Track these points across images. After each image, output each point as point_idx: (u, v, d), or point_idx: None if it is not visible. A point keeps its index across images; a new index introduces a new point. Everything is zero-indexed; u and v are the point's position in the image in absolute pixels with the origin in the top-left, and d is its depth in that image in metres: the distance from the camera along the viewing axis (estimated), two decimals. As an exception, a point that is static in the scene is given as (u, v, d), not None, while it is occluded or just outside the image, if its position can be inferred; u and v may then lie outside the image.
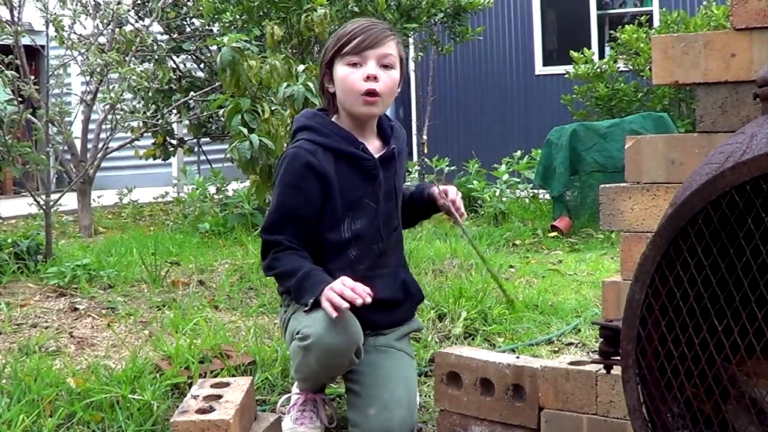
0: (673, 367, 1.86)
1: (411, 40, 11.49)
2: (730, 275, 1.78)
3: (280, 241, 3.10)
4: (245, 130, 4.53)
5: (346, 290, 2.83)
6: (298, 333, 3.01)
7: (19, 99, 6.54)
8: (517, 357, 2.99)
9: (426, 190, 3.43)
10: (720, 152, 1.95)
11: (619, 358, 1.97)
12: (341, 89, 3.16)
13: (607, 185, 2.76)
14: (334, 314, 2.81)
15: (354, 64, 3.12)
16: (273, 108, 4.71)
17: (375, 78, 3.11)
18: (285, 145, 4.74)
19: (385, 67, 3.14)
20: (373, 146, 3.24)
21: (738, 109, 2.46)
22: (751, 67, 2.40)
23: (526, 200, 10.21)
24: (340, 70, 3.14)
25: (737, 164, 1.74)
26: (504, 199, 9.63)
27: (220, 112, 7.17)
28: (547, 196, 9.57)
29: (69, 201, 8.93)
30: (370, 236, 3.19)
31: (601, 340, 2.09)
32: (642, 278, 1.86)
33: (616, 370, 2.12)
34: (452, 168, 10.84)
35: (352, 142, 3.17)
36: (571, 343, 4.34)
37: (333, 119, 3.25)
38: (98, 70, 7.95)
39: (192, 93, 9.13)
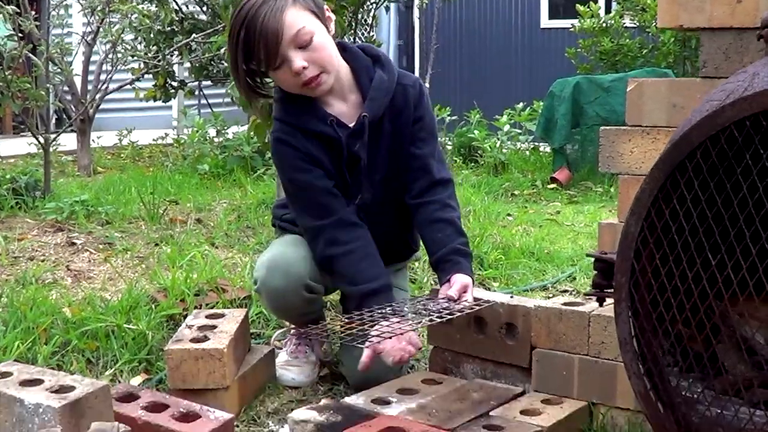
0: (665, 302, 1.87)
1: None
2: (726, 211, 1.78)
3: (323, 227, 2.99)
4: (246, 69, 4.51)
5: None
6: (253, 276, 3.06)
7: (20, 35, 6.52)
8: (511, 296, 3.00)
9: (445, 276, 2.98)
10: (721, 90, 1.95)
11: (612, 290, 1.98)
12: (284, 89, 2.98)
13: (607, 127, 2.76)
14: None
15: (276, 69, 2.88)
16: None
17: (304, 68, 2.85)
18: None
19: (303, 47, 2.85)
20: (350, 105, 3.05)
21: (741, 56, 2.46)
22: (756, 14, 2.39)
23: (527, 152, 10.19)
24: (266, 74, 2.96)
25: (737, 100, 1.74)
26: (504, 149, 9.61)
27: (222, 51, 7.15)
28: (548, 149, 9.55)
29: (68, 141, 8.91)
30: (355, 203, 3.07)
31: (596, 272, 2.10)
32: (638, 211, 1.86)
33: (609, 307, 2.13)
34: (454, 117, 10.80)
35: (320, 117, 2.99)
36: (565, 291, 4.35)
37: None
38: (100, 8, 7.92)
39: (194, 35, 9.07)
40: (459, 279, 2.90)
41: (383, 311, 2.81)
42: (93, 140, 9.22)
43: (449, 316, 2.76)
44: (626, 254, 1.89)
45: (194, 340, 2.83)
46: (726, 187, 1.78)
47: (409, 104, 3.09)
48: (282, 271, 2.95)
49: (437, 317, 2.74)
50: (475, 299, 2.89)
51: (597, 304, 2.26)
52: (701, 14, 2.49)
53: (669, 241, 1.85)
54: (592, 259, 2.15)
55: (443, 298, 2.87)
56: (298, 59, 2.83)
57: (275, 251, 3.05)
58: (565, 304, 2.81)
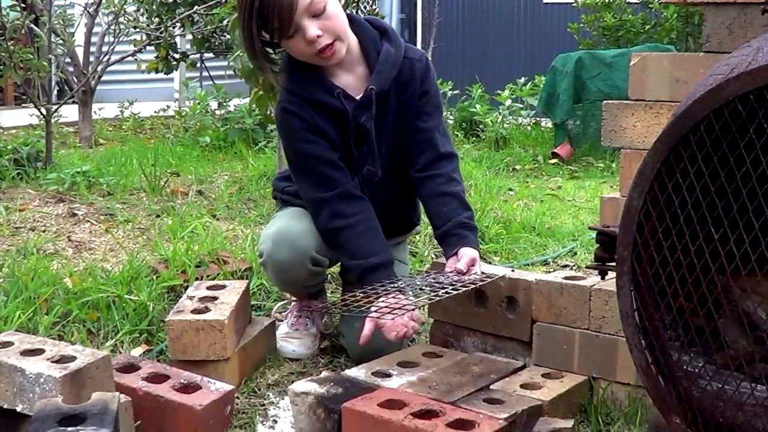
0: (667, 275, 1.86)
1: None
2: (729, 185, 1.78)
3: (327, 199, 2.98)
4: (249, 40, 4.50)
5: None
6: (257, 249, 3.06)
7: (22, 6, 6.51)
8: (512, 270, 3.00)
9: (452, 250, 2.98)
10: (725, 64, 1.94)
11: (614, 264, 1.98)
12: (295, 56, 2.97)
13: (610, 101, 2.75)
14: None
15: (290, 38, 2.87)
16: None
17: (319, 36, 2.86)
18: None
19: (317, 16, 2.85)
20: (356, 77, 3.06)
21: (745, 31, 2.45)
22: (760, -11, 2.38)
23: (528, 126, 10.18)
24: (278, 43, 2.94)
25: (741, 74, 1.73)
26: (506, 124, 9.58)
27: (224, 23, 7.13)
28: (549, 124, 9.54)
29: (70, 113, 8.91)
30: (360, 176, 3.08)
31: (598, 245, 2.10)
32: (641, 184, 1.85)
33: (610, 281, 2.13)
34: (455, 92, 10.78)
35: (326, 88, 2.99)
36: (566, 265, 4.36)
37: None
38: (102, -22, 7.90)
39: (196, 7, 9.03)
40: (467, 252, 2.90)
41: (392, 286, 2.82)
42: (94, 112, 9.21)
43: (463, 288, 2.78)
44: (629, 227, 1.89)
45: (195, 312, 2.83)
46: (729, 161, 1.78)
47: (415, 78, 3.08)
48: (288, 244, 2.96)
49: (448, 291, 2.74)
50: (482, 273, 2.89)
51: (598, 278, 2.26)
52: (706, -12, 2.49)
53: (671, 215, 1.84)
54: (594, 234, 2.15)
55: (452, 272, 2.88)
56: (312, 27, 2.83)
57: (280, 224, 3.04)
58: (566, 278, 2.81)
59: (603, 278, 2.19)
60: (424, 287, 2.85)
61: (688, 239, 1.83)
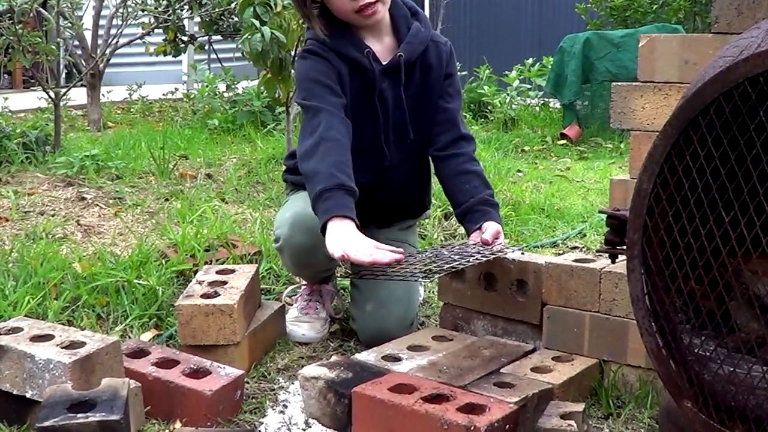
0: (678, 259, 1.86)
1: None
2: (739, 167, 1.77)
3: (317, 107, 2.88)
4: (257, 23, 4.49)
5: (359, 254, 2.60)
6: (273, 233, 3.05)
7: (31, -11, 6.50)
8: (522, 253, 2.99)
9: (475, 225, 2.99)
10: (735, 46, 1.93)
11: (624, 247, 1.97)
12: (333, 12, 2.98)
13: (619, 83, 2.74)
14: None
15: None
16: (285, 2, 4.66)
17: None
18: (296, 39, 4.71)
19: None
20: (384, 47, 3.07)
21: (754, 11, 2.43)
22: (770, -32, 2.37)
23: (537, 107, 10.15)
24: None
25: (751, 56, 1.72)
26: (514, 105, 9.56)
27: (232, 6, 7.12)
28: (558, 104, 9.51)
29: (78, 96, 8.91)
30: (370, 147, 3.06)
31: (608, 229, 2.09)
32: (651, 168, 1.84)
33: (621, 264, 2.12)
34: (464, 73, 10.75)
35: (357, 46, 3.01)
36: (575, 247, 4.34)
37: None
38: (110, -39, 7.88)
39: (204, -11, 9.04)
40: (491, 226, 2.94)
41: (426, 254, 2.83)
42: (103, 95, 9.21)
43: (491, 256, 2.81)
44: (639, 211, 1.88)
45: (205, 296, 2.83)
46: (739, 144, 1.77)
47: (441, 61, 3.13)
48: (306, 228, 2.94)
49: (478, 258, 2.76)
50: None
51: (608, 260, 2.26)
52: (714, -32, 2.47)
53: (682, 198, 1.83)
54: (604, 216, 2.14)
55: (477, 243, 2.89)
56: None
57: (296, 209, 3.03)
58: (576, 260, 2.80)
59: (613, 262, 2.18)
60: (453, 256, 2.82)
61: (698, 222, 1.82)
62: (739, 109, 1.74)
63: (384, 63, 3.03)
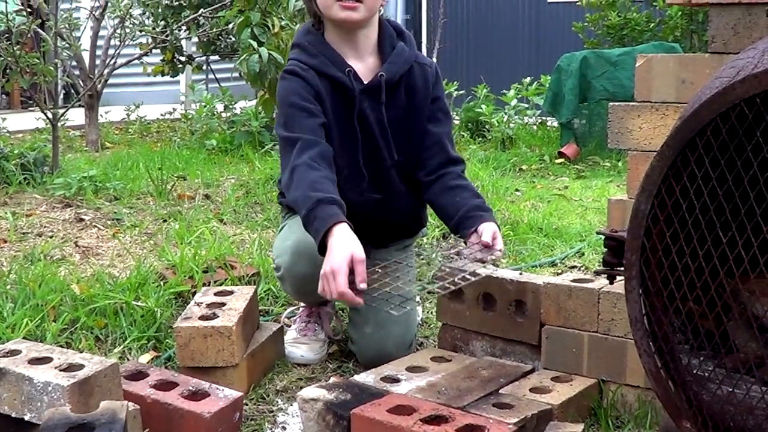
0: (676, 280, 1.86)
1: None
2: (736, 189, 1.77)
3: (298, 138, 2.87)
4: (255, 44, 4.50)
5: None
6: (273, 262, 3.05)
7: (28, 10, 6.51)
8: (520, 273, 2.99)
9: (471, 228, 2.93)
10: (731, 67, 1.93)
11: (622, 268, 1.97)
12: (318, 4, 3.00)
13: (616, 103, 2.75)
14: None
15: None
16: (283, 23, 4.68)
17: None
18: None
19: None
20: (366, 66, 3.08)
21: (750, 31, 2.44)
22: (765, -11, 2.38)
23: (534, 126, 10.16)
24: None
25: (747, 77, 1.72)
26: (512, 124, 9.56)
27: (230, 27, 7.13)
28: (555, 123, 9.52)
29: (76, 116, 8.91)
30: (351, 166, 3.05)
31: (606, 250, 2.09)
32: (648, 189, 1.85)
33: (619, 284, 2.12)
34: (461, 92, 10.77)
35: (338, 65, 3.02)
36: (574, 267, 4.34)
37: (324, 35, 3.08)
38: (108, -18, 7.91)
39: (202, 9, 9.05)
40: (488, 226, 2.87)
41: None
42: (101, 115, 9.22)
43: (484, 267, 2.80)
44: (637, 232, 1.88)
45: (203, 318, 2.83)
46: (736, 165, 1.77)
47: (427, 83, 3.12)
48: (307, 257, 2.91)
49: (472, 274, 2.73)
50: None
51: (606, 281, 2.26)
52: (710, -11, 2.48)
53: (679, 219, 1.84)
54: (602, 237, 2.15)
55: (476, 244, 2.84)
56: None
57: (297, 237, 2.98)
58: (574, 280, 2.80)
59: (611, 283, 2.18)
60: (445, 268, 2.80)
61: (696, 243, 1.82)
62: (736, 130, 1.75)
63: (365, 82, 3.03)
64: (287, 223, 3.18)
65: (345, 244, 2.58)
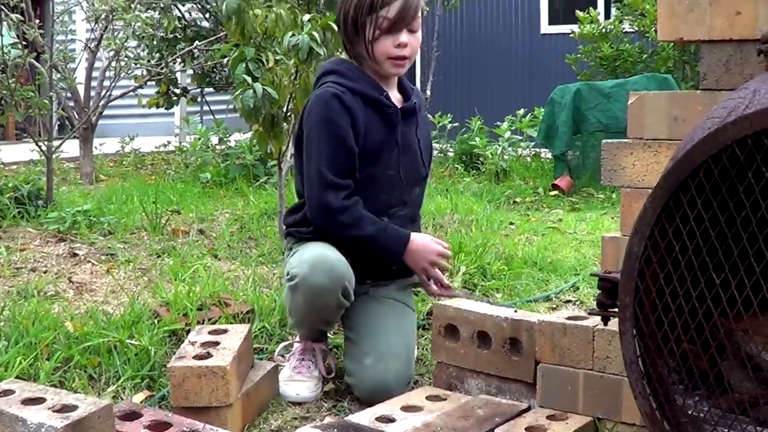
0: (670, 321, 1.86)
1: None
2: (729, 229, 1.78)
3: (349, 185, 3.16)
4: (249, 79, 4.50)
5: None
6: (287, 274, 3.09)
7: (23, 43, 6.53)
8: (515, 311, 2.99)
9: None
10: (723, 107, 1.94)
11: (616, 310, 1.97)
12: (371, 51, 3.21)
13: (609, 141, 2.75)
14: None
15: (388, 31, 3.16)
16: (277, 57, 4.68)
17: (406, 45, 3.20)
18: (288, 95, 4.73)
19: (413, 31, 3.22)
20: (395, 98, 3.32)
21: (742, 68, 2.44)
22: (755, 26, 2.38)
23: (528, 158, 10.19)
24: (370, 31, 3.18)
25: (739, 118, 1.73)
26: (506, 156, 9.59)
27: (224, 61, 7.15)
28: (549, 155, 9.55)
29: (71, 148, 8.92)
30: (380, 185, 3.25)
31: (600, 291, 2.09)
32: (641, 231, 1.85)
33: (613, 323, 2.12)
34: (455, 124, 10.80)
35: (376, 89, 3.25)
36: (569, 301, 4.34)
37: (358, 66, 3.30)
38: (103, 16, 7.93)
39: (197, 42, 9.08)
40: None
41: None
42: (95, 147, 9.24)
43: None
44: (630, 274, 1.89)
45: (197, 357, 2.82)
46: (729, 205, 1.78)
47: (429, 129, 3.53)
48: (326, 269, 3.00)
49: None
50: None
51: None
52: (701, 26, 2.48)
53: (673, 260, 1.84)
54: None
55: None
56: (406, 35, 3.19)
57: (316, 252, 3.07)
58: (569, 318, 2.80)
59: (605, 324, 2.18)
60: None
61: (689, 284, 1.82)
62: (728, 171, 1.75)
63: (399, 106, 3.29)
64: (301, 245, 3.21)
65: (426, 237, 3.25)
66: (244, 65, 4.59)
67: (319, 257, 3.04)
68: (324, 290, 3.00)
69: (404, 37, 3.18)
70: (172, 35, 9.47)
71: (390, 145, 3.25)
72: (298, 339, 3.32)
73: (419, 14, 3.22)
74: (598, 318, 2.60)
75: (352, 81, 3.22)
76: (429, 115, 11.68)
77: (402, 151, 3.28)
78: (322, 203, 3.13)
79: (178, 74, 10.25)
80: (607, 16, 13.36)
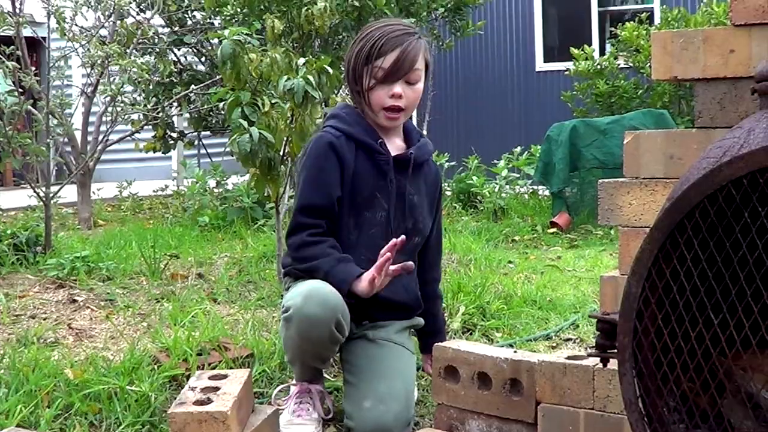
0: (669, 361, 1.86)
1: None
2: (726, 269, 1.78)
3: (319, 225, 3.19)
4: (245, 123, 4.52)
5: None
6: (282, 307, 3.12)
7: (20, 90, 6.54)
8: (515, 351, 2.99)
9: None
10: (718, 147, 1.95)
11: (615, 351, 1.98)
12: (367, 100, 3.25)
13: (605, 180, 2.76)
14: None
15: (383, 81, 3.20)
16: (273, 101, 4.69)
17: (400, 96, 3.21)
18: (284, 138, 4.74)
19: (411, 83, 3.23)
20: (394, 145, 3.34)
21: (736, 105, 2.46)
22: (749, 63, 2.40)
23: (526, 196, 10.21)
24: (366, 80, 3.23)
25: (734, 158, 1.74)
26: (503, 195, 9.62)
27: (221, 105, 7.18)
28: (547, 193, 9.57)
29: (69, 193, 8.92)
30: (375, 228, 3.26)
31: (598, 333, 2.09)
32: (639, 272, 1.86)
33: (613, 364, 2.12)
34: (452, 163, 10.83)
35: (371, 135, 3.27)
36: (569, 339, 4.34)
37: (360, 112, 3.33)
38: (99, 62, 7.97)
39: (193, 86, 9.13)
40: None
41: None
42: (93, 192, 9.25)
43: None
44: (628, 315, 1.89)
45: (197, 403, 2.81)
46: (725, 245, 1.78)
47: (436, 181, 3.53)
48: (319, 300, 3.00)
49: None
50: None
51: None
52: (695, 65, 2.50)
53: (671, 301, 1.85)
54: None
55: None
56: (400, 86, 3.21)
57: (311, 286, 3.07)
58: (569, 357, 2.80)
59: (605, 366, 2.18)
60: None
61: (687, 324, 1.83)
62: (724, 212, 1.76)
63: (393, 154, 3.29)
64: (299, 282, 3.22)
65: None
66: (240, 110, 4.60)
67: (313, 289, 3.05)
68: (317, 320, 2.99)
69: (398, 88, 3.20)
70: (168, 79, 9.53)
71: (385, 190, 3.27)
72: (294, 381, 3.31)
73: (419, 67, 3.23)
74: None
75: (349, 126, 3.27)
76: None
77: (396, 198, 3.29)
78: (289, 241, 3.25)
79: (174, 118, 10.29)
80: (602, 52, 13.45)
